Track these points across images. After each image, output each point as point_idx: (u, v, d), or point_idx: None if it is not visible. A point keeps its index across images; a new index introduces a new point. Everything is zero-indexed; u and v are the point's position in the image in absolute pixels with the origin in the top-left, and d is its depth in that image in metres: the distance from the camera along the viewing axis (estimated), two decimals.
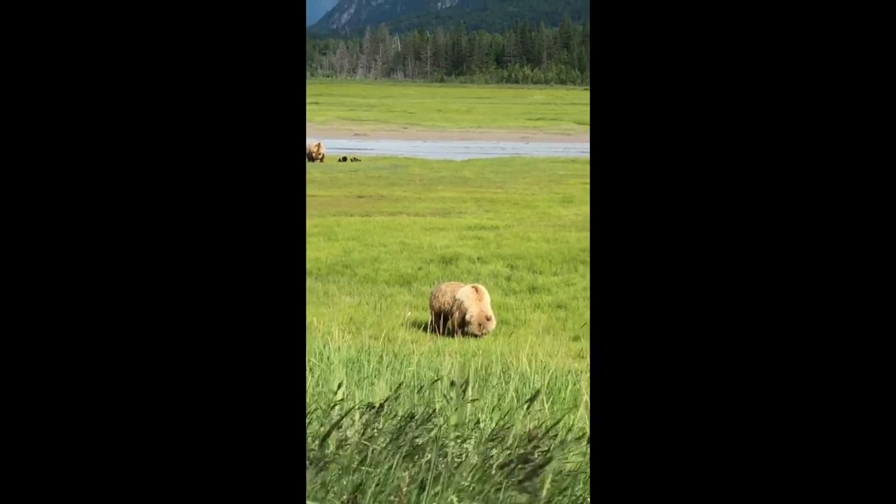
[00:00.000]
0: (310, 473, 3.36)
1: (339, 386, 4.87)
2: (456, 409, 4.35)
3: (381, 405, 4.17)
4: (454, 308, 16.68)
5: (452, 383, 4.67)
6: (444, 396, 4.93)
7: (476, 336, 16.32)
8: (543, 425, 4.00)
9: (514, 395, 6.21)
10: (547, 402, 5.81)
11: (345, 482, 3.53)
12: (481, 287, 17.29)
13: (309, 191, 30.46)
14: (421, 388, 5.71)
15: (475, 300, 16.74)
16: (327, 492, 3.42)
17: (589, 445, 3.45)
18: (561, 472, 3.58)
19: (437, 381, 5.78)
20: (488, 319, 16.63)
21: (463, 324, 16.46)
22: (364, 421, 4.01)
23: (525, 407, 4.52)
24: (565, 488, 3.58)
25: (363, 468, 3.60)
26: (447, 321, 16.56)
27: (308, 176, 37.69)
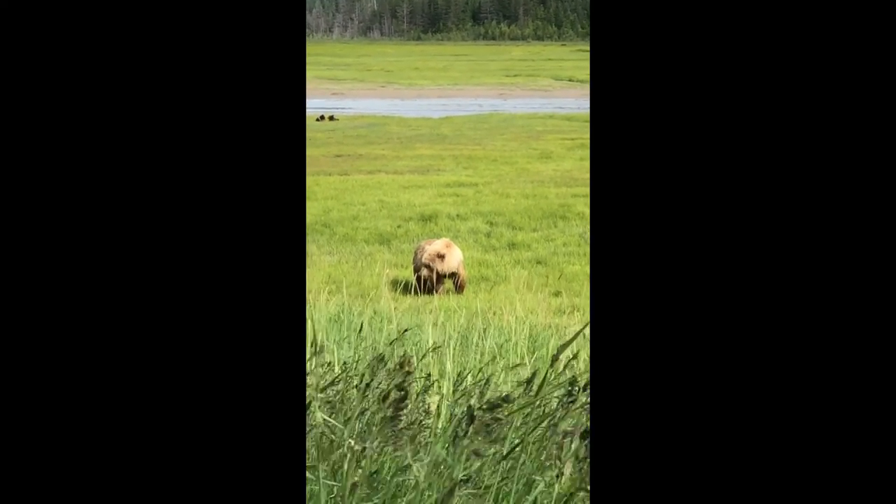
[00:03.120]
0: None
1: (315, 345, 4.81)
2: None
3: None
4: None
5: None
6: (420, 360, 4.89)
7: (426, 268, 16.30)
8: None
9: (495, 350, 6.19)
10: (529, 358, 5.79)
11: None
12: (453, 243, 17.30)
13: None
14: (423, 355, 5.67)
15: (441, 246, 16.78)
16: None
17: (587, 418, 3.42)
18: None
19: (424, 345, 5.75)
20: (440, 257, 16.59)
21: (421, 263, 16.52)
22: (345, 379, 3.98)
23: (505, 367, 4.49)
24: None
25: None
26: (424, 278, 16.57)
27: None
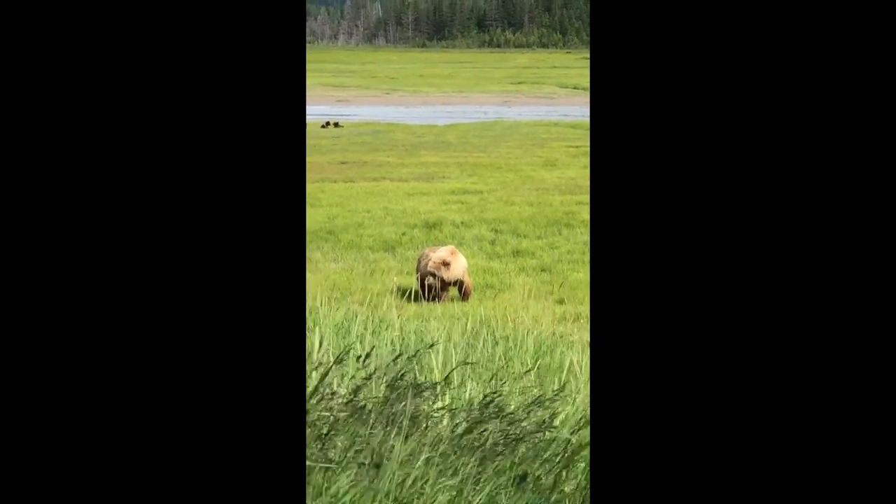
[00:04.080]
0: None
1: (322, 343, 4.83)
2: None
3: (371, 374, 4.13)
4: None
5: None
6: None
7: (431, 275, 16.27)
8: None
9: (502, 359, 6.20)
10: (534, 365, 5.79)
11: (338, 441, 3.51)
12: (458, 251, 17.28)
13: None
14: (415, 353, 5.68)
15: (447, 253, 16.76)
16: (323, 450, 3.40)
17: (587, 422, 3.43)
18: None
19: (429, 347, 5.75)
20: (445, 264, 16.58)
21: (424, 270, 16.47)
22: (353, 384, 3.99)
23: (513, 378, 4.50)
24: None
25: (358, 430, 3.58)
26: (429, 285, 16.53)
27: None
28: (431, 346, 5.68)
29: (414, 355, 5.35)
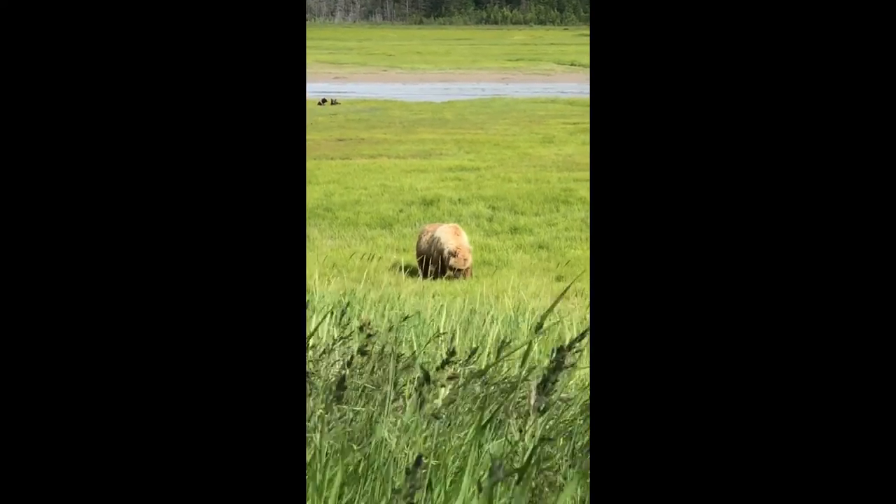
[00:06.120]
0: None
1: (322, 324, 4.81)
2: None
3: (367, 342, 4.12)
4: (433, 247, 16.75)
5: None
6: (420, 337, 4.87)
7: (460, 270, 16.43)
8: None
9: (499, 334, 6.19)
10: (535, 341, 5.77)
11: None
12: (459, 227, 17.39)
13: None
14: (405, 326, 5.67)
15: (453, 236, 16.86)
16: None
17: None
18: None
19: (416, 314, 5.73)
20: (469, 251, 16.79)
21: (444, 259, 16.57)
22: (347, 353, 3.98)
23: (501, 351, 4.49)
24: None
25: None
26: (431, 263, 16.60)
27: None
28: (408, 318, 5.66)
29: (401, 322, 5.34)
